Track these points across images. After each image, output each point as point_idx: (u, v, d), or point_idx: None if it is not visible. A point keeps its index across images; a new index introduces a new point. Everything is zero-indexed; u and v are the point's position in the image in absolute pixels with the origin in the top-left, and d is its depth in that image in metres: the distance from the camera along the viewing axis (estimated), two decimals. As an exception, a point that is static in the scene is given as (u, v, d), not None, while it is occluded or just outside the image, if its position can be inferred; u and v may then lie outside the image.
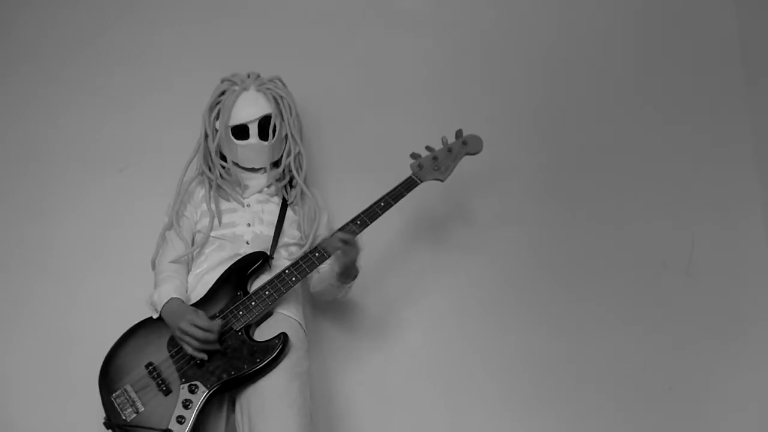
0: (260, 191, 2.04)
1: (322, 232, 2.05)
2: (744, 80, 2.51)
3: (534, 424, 2.26)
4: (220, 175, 2.03)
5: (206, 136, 2.05)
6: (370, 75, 2.47)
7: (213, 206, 1.99)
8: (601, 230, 2.39)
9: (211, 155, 2.04)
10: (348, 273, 1.92)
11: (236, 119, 2.02)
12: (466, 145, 2.04)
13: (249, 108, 2.03)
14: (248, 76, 2.08)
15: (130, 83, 2.44)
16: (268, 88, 2.06)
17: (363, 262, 1.95)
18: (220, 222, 1.98)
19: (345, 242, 1.84)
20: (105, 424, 1.79)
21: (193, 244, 2.01)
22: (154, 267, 2.02)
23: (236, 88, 2.05)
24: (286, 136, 2.07)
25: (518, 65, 2.52)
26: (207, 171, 2.04)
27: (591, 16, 2.54)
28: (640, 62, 2.52)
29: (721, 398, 2.29)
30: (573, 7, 2.55)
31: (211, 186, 2.02)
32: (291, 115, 2.07)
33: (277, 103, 2.05)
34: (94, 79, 2.45)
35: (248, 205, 2.02)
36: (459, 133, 2.05)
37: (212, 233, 1.98)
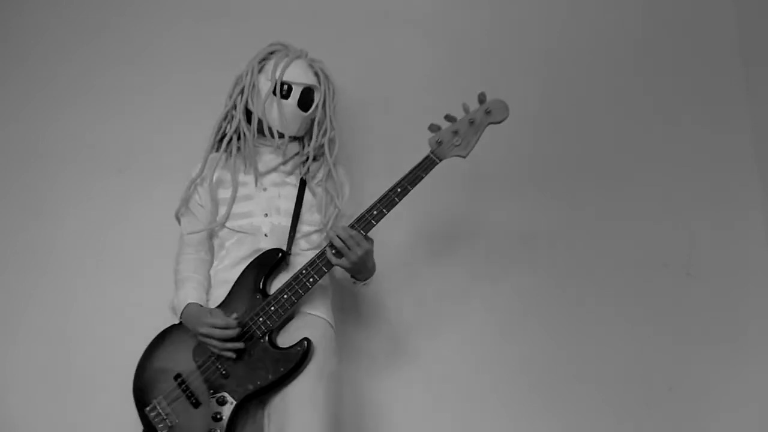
0: (275, 169, 1.97)
1: (345, 209, 1.98)
2: (744, 80, 2.51)
3: (532, 424, 2.26)
4: (258, 129, 1.96)
5: (252, 86, 1.97)
6: (368, 75, 2.47)
7: (235, 176, 1.94)
8: (600, 230, 2.39)
9: (249, 109, 1.98)
10: (357, 270, 1.83)
11: (286, 76, 1.96)
12: (489, 114, 1.84)
13: (300, 72, 1.98)
14: (301, 50, 2.05)
15: (130, 83, 2.44)
16: (320, 68, 2.03)
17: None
18: (236, 190, 1.93)
19: (350, 237, 1.76)
20: None
21: (210, 237, 1.97)
22: (179, 221, 2.01)
23: (289, 52, 2.02)
24: (321, 116, 2.01)
25: (518, 66, 2.51)
26: (245, 123, 1.96)
27: (591, 16, 2.54)
28: (640, 62, 2.52)
29: (721, 398, 2.28)
30: (573, 7, 2.55)
31: (240, 141, 1.97)
32: (333, 99, 2.03)
33: (321, 83, 2.01)
34: (93, 79, 2.45)
35: (264, 189, 1.95)
36: (482, 98, 1.85)
37: (228, 224, 1.92)
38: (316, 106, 2.00)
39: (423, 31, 2.50)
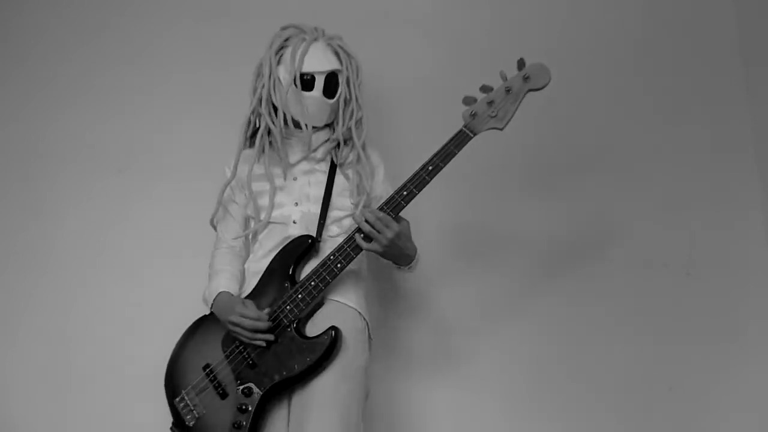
0: (306, 158, 1.91)
1: (378, 191, 1.95)
2: (744, 80, 2.51)
3: (532, 425, 2.26)
4: (285, 122, 1.87)
5: (272, 80, 1.87)
6: (368, 75, 2.46)
7: (265, 172, 1.88)
8: (600, 230, 2.39)
9: (273, 103, 1.89)
10: (392, 255, 1.75)
11: (307, 67, 1.87)
12: (528, 80, 1.74)
13: (321, 57, 1.89)
14: (315, 29, 1.95)
15: (130, 83, 2.44)
16: (339, 45, 1.93)
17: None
18: (272, 183, 1.86)
19: (378, 220, 1.69)
20: (171, 429, 1.79)
21: (246, 229, 1.93)
22: (215, 227, 1.96)
23: (305, 36, 1.91)
24: (346, 99, 1.93)
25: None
26: (270, 121, 1.88)
27: (591, 16, 2.54)
28: (640, 62, 2.51)
29: (721, 398, 2.29)
30: (573, 7, 2.54)
31: (270, 135, 1.89)
32: (357, 77, 1.94)
33: (343, 63, 1.92)
34: (93, 79, 2.45)
35: (294, 179, 1.89)
36: (521, 64, 1.76)
37: (261, 217, 1.88)
38: (339, 91, 1.91)
39: (423, 31, 2.50)
